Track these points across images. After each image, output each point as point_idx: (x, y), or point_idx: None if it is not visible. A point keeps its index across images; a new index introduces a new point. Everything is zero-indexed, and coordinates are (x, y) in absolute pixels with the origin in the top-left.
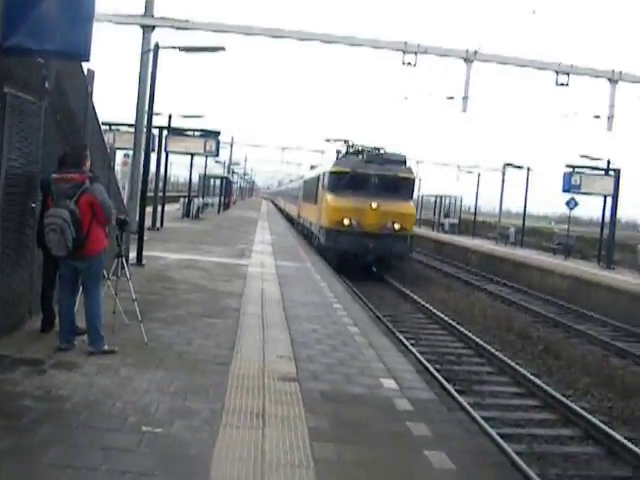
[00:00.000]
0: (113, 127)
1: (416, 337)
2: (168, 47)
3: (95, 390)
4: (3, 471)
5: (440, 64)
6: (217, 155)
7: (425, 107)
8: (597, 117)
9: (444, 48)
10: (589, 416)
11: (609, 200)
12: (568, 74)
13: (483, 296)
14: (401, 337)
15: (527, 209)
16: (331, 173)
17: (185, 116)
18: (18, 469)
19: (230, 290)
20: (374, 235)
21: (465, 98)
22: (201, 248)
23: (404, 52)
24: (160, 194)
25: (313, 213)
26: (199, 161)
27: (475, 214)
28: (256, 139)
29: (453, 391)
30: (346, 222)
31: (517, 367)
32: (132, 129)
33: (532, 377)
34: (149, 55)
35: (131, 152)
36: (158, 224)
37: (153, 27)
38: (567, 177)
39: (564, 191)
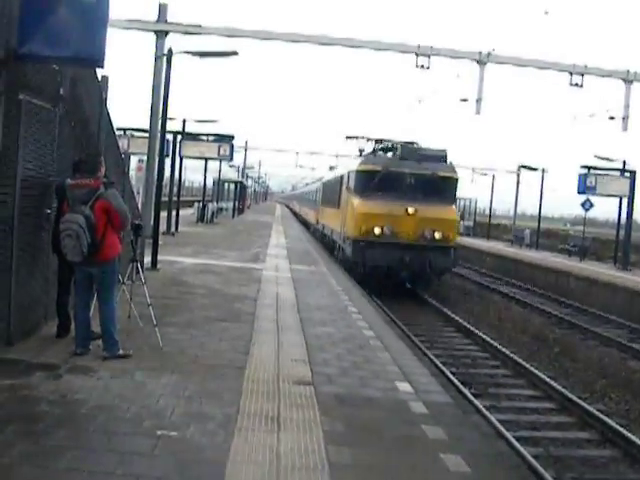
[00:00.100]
0: (127, 132)
1: (431, 340)
2: (181, 52)
3: (110, 394)
4: (20, 475)
5: (453, 66)
6: (231, 159)
7: (439, 109)
8: (612, 118)
9: (457, 50)
10: (606, 418)
11: (625, 201)
12: (582, 75)
13: (498, 298)
14: (415, 340)
15: (542, 211)
16: (358, 172)
17: (199, 121)
18: (34, 473)
19: (245, 294)
20: (411, 246)
21: (479, 100)
22: (216, 252)
23: (417, 55)
24: (174, 199)
25: (335, 220)
26: (213, 165)
27: (490, 216)
28: (270, 143)
29: (469, 394)
30: (377, 231)
31: (533, 369)
32: (146, 134)
33: (548, 379)
34: (163, 60)
35: (145, 157)
36: (173, 229)
37: (166, 33)
38: (582, 178)
39: (579, 192)
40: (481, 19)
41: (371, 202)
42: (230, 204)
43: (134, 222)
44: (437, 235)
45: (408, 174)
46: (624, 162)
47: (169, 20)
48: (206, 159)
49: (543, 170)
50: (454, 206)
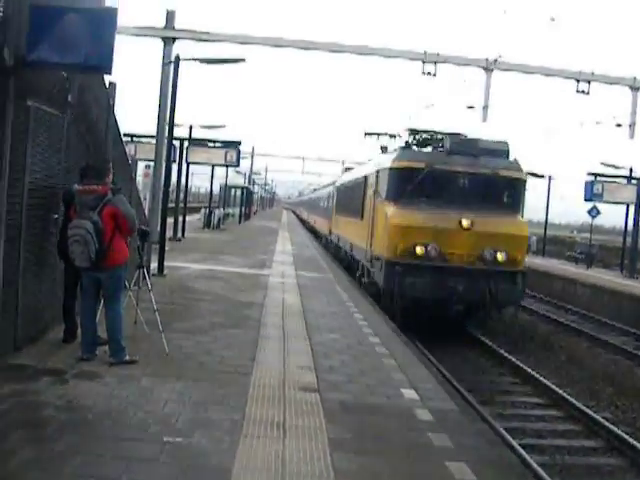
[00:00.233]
0: (135, 138)
1: (433, 345)
2: (189, 59)
3: (116, 400)
4: None
5: (460, 73)
6: (238, 165)
7: (446, 116)
8: (619, 125)
9: (464, 57)
10: (612, 427)
11: (632, 208)
12: (589, 82)
13: None
14: (420, 346)
15: (549, 218)
16: (393, 172)
17: (206, 126)
18: (41, 479)
19: (251, 300)
20: (465, 272)
21: (485, 107)
22: (222, 258)
23: (424, 62)
24: (181, 205)
25: (356, 233)
26: (220, 172)
27: None
28: (277, 149)
29: (474, 402)
30: (419, 251)
31: (539, 377)
32: (153, 140)
33: (555, 387)
34: (170, 67)
35: (152, 163)
36: (179, 234)
37: (174, 39)
38: (589, 185)
39: (586, 200)
40: (487, 26)
41: (411, 211)
42: (237, 210)
43: (141, 228)
44: (501, 256)
45: (461, 173)
46: (631, 169)
47: (177, 27)
48: (213, 165)
49: (550, 177)
50: (521, 216)
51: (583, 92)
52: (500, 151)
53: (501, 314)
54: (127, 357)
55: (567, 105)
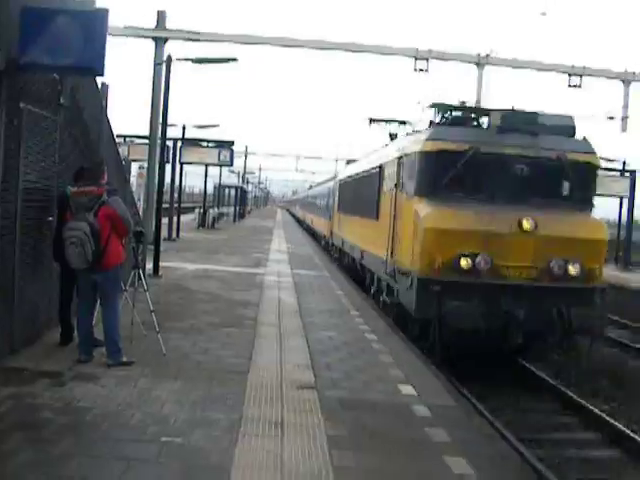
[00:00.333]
0: (128, 139)
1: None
2: (181, 59)
3: (114, 401)
4: None
5: (452, 69)
6: (231, 165)
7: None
8: (611, 118)
9: (456, 53)
10: (609, 418)
11: (625, 201)
12: (581, 76)
13: None
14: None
15: None
16: (425, 156)
17: (199, 126)
18: None
19: (247, 299)
20: (527, 291)
21: (478, 102)
22: (217, 258)
23: (416, 58)
24: (175, 205)
25: (371, 238)
26: (214, 171)
27: None
28: (270, 148)
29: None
30: (464, 264)
31: (535, 370)
32: (146, 141)
33: (551, 381)
34: (162, 67)
35: (146, 164)
36: (174, 235)
37: (165, 39)
38: None
39: None
40: (478, 21)
41: (452, 210)
42: (231, 209)
43: (136, 229)
44: (573, 269)
45: (518, 158)
46: (624, 162)
47: (168, 27)
48: (206, 165)
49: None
50: (592, 214)
51: (575, 86)
52: (565, 127)
53: (575, 345)
54: (124, 358)
55: (559, 99)
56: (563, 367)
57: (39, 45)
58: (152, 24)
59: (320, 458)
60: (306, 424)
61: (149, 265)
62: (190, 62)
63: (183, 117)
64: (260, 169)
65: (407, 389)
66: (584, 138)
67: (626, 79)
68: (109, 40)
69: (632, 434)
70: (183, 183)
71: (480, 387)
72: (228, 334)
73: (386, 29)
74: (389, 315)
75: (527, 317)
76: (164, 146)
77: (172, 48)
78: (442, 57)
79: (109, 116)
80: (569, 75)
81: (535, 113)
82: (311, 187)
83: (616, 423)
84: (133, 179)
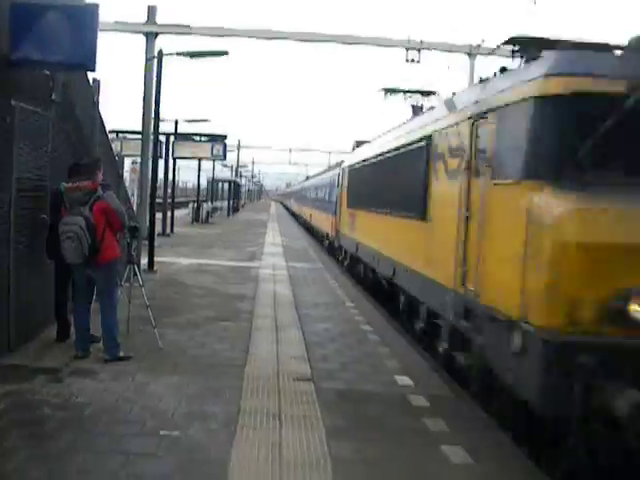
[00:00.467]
0: (120, 135)
1: None
2: (172, 54)
3: (112, 396)
4: (26, 478)
5: (444, 59)
6: (224, 159)
7: (430, 103)
8: None
9: (447, 43)
10: None
11: None
12: None
13: None
14: None
15: None
16: (544, 103)
17: (191, 121)
18: (41, 477)
19: (242, 293)
20: None
21: None
22: (212, 252)
23: (407, 49)
24: (169, 200)
25: (415, 250)
26: (207, 165)
27: None
28: (263, 141)
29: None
30: (636, 311)
31: None
32: (139, 136)
33: None
34: (153, 62)
35: (139, 159)
36: (168, 230)
37: (156, 34)
38: None
39: None
40: (470, 9)
41: (610, 207)
42: (225, 203)
43: (130, 224)
44: None
45: None
46: None
47: (158, 21)
48: (199, 159)
49: None
50: None
51: None
52: None
53: None
54: (121, 353)
55: None
56: None
57: (30, 41)
58: (142, 18)
59: (318, 449)
60: (304, 416)
61: (144, 260)
62: (181, 56)
63: (175, 111)
64: (253, 162)
65: (404, 380)
66: None
67: None
68: (100, 35)
69: None
70: (176, 178)
71: None
72: (224, 328)
73: (377, 20)
74: (471, 386)
75: None
76: (157, 141)
77: (163, 42)
78: (433, 47)
79: (101, 112)
80: None
81: None
82: (308, 178)
83: None
84: (126, 174)
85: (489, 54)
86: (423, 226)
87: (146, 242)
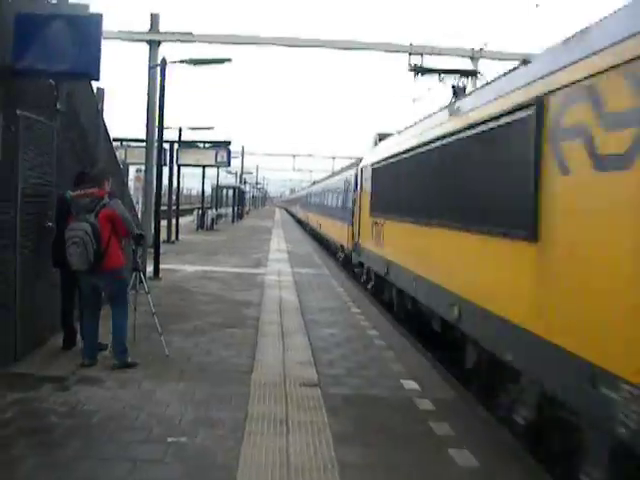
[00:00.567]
0: (124, 143)
1: None
2: (175, 61)
3: (119, 404)
4: None
5: (446, 64)
6: (229, 165)
7: (433, 108)
8: None
9: (450, 48)
10: None
11: None
12: None
13: None
14: None
15: None
16: None
17: (195, 128)
18: None
19: (248, 299)
20: None
21: None
22: (217, 259)
23: (410, 54)
24: (174, 207)
25: (517, 289)
26: (211, 172)
27: None
28: (266, 147)
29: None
30: None
31: None
32: (143, 144)
33: None
34: (157, 70)
35: (143, 167)
36: (173, 237)
37: (159, 42)
38: None
39: None
40: (472, 14)
41: None
42: (229, 210)
43: (136, 232)
44: None
45: None
46: None
47: (161, 30)
48: (204, 166)
49: None
50: None
51: None
52: None
53: None
54: (129, 359)
55: None
56: None
57: (34, 51)
58: (146, 27)
59: (325, 454)
60: (311, 421)
61: (149, 268)
62: (185, 64)
63: (179, 119)
64: (257, 169)
65: (410, 384)
66: None
67: None
68: (103, 44)
69: None
70: (181, 185)
71: None
72: (230, 334)
73: (380, 26)
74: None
75: None
76: (161, 149)
77: (167, 50)
78: (436, 52)
79: (105, 120)
80: None
81: None
82: (315, 183)
83: None
84: (131, 183)
85: (492, 58)
86: (527, 250)
87: (151, 249)
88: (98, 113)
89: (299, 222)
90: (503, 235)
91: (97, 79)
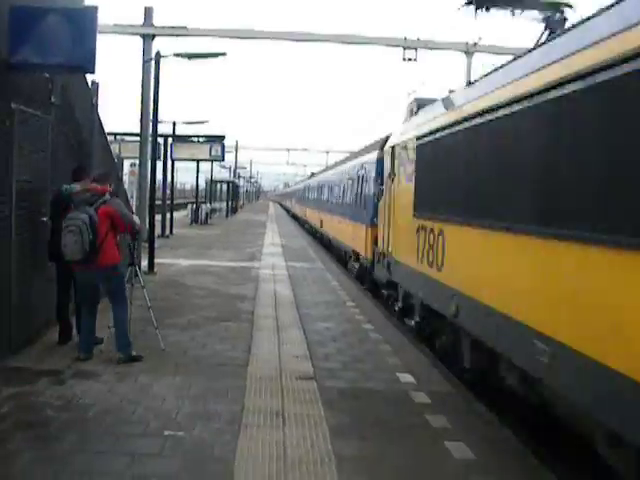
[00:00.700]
0: (118, 137)
1: None
2: (169, 55)
3: (116, 398)
4: None
5: (441, 57)
6: (223, 160)
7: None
8: None
9: (444, 42)
10: None
11: None
12: None
13: None
14: None
15: None
16: None
17: (189, 122)
18: (46, 478)
19: (243, 293)
20: None
21: None
22: (211, 253)
23: (404, 48)
24: (168, 202)
25: None
26: (205, 167)
27: None
28: (260, 142)
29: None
30: None
31: None
32: (137, 138)
33: None
34: (151, 64)
35: (137, 161)
36: (167, 231)
37: (153, 36)
38: None
39: None
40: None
41: None
42: (223, 204)
43: (137, 227)
44: None
45: None
46: None
47: (155, 23)
48: (198, 161)
49: None
50: None
51: None
52: None
53: None
54: (134, 352)
55: None
56: None
57: (29, 44)
58: (140, 20)
59: (322, 447)
60: (307, 414)
61: (144, 262)
62: (179, 58)
63: (173, 113)
64: (251, 163)
65: (405, 377)
66: None
67: None
68: (98, 38)
69: None
70: (175, 179)
71: None
72: (226, 328)
73: (374, 20)
74: None
75: None
76: (155, 143)
77: (161, 44)
78: (431, 46)
79: (100, 114)
80: None
81: None
82: (313, 175)
83: None
84: (125, 177)
85: (486, 52)
86: None
87: (146, 244)
88: (93, 107)
89: (294, 217)
90: None
91: (92, 72)
